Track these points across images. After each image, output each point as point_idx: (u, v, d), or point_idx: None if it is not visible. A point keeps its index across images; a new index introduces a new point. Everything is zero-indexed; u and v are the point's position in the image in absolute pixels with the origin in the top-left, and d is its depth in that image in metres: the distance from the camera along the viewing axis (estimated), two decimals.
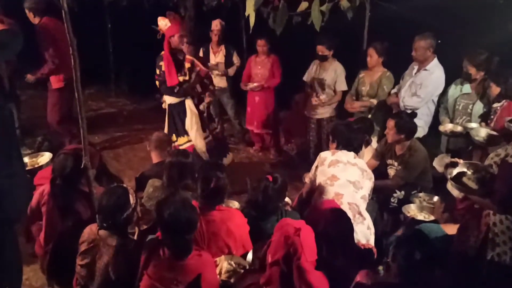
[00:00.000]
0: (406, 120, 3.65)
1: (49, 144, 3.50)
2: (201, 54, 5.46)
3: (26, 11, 4.61)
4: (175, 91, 4.23)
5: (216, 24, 5.30)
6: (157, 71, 4.27)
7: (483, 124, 3.74)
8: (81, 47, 2.64)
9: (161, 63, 4.16)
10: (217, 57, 5.41)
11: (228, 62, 5.39)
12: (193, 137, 4.37)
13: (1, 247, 2.13)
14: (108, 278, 2.48)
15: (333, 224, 2.44)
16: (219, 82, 5.46)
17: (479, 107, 3.87)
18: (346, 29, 4.59)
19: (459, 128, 3.86)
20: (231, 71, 5.41)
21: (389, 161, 3.83)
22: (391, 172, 3.82)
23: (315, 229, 2.34)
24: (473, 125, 3.74)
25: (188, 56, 4.37)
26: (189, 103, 4.32)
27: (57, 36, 4.48)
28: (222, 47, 5.39)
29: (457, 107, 4.00)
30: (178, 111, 4.35)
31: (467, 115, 3.93)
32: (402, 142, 3.69)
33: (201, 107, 4.43)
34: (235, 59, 5.43)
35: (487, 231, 2.21)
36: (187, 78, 4.27)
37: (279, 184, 2.81)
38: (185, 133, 4.38)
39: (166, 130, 4.44)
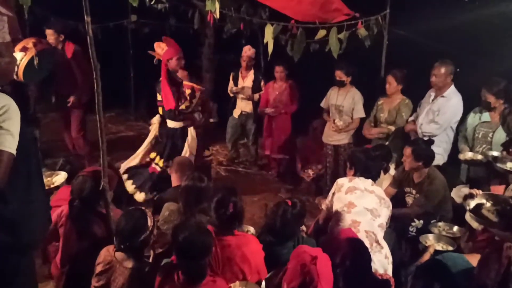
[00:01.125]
0: (423, 148, 3.61)
1: (70, 166, 3.56)
2: (231, 78, 5.57)
3: (54, 34, 4.74)
4: (176, 115, 4.28)
5: (245, 51, 5.41)
6: (159, 97, 4.35)
7: (504, 152, 3.68)
8: (104, 72, 2.73)
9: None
10: (245, 81, 5.50)
11: (255, 87, 5.47)
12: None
13: (16, 272, 2.11)
14: None
15: (351, 255, 2.40)
16: (245, 107, 5.55)
17: (499, 135, 3.82)
18: (364, 57, 4.64)
19: (479, 157, 3.80)
20: (257, 96, 5.48)
21: (407, 189, 3.78)
22: (409, 200, 3.76)
23: (332, 259, 2.31)
24: (495, 153, 3.68)
25: (186, 82, 4.42)
26: (191, 129, 4.39)
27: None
28: (251, 72, 5.49)
29: (477, 135, 3.96)
30: (178, 135, 4.40)
31: (487, 144, 3.87)
32: (420, 170, 3.64)
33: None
34: (262, 85, 5.50)
35: (509, 265, 2.14)
36: (188, 104, 4.33)
37: (298, 209, 2.80)
38: (170, 157, 4.36)
39: (144, 149, 4.52)
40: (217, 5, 2.93)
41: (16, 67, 2.99)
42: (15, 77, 3.04)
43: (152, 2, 5.22)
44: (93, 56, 2.79)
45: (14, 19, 3.94)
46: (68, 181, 3.37)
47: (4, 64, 2.07)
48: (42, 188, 2.29)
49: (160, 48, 4.25)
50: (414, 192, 3.72)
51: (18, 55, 3.04)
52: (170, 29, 6.53)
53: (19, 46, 3.13)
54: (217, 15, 3.07)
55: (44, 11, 5.80)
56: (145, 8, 5.47)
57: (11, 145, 1.91)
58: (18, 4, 3.66)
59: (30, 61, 3.11)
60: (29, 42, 3.41)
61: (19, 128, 1.96)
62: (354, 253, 2.45)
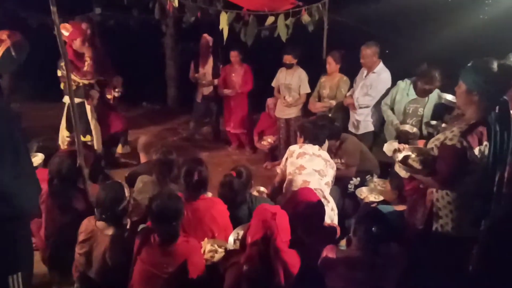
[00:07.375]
0: (329, 129, 3.54)
1: (45, 149, 3.37)
2: (192, 66, 5.40)
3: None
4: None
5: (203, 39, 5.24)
6: (59, 73, 4.17)
7: (444, 123, 3.70)
8: None
9: (62, 63, 3.93)
10: (205, 68, 5.34)
11: (215, 73, 5.32)
12: (95, 135, 4.30)
13: (15, 238, 2.07)
14: (105, 265, 2.43)
15: (311, 210, 2.45)
16: (206, 91, 5.41)
17: (427, 110, 3.80)
18: (308, 40, 4.66)
19: (414, 129, 3.77)
20: (216, 81, 5.34)
21: (335, 161, 3.77)
22: (342, 167, 3.75)
23: (295, 213, 2.34)
24: (433, 122, 3.66)
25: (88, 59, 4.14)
26: (89, 108, 4.24)
27: None
28: (210, 59, 5.33)
29: (408, 111, 3.89)
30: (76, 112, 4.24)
31: (417, 117, 3.84)
32: (336, 143, 3.70)
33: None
34: (221, 70, 5.35)
35: (432, 206, 2.27)
36: (87, 81, 4.16)
37: (243, 177, 2.78)
38: (86, 132, 4.24)
39: (64, 127, 4.32)
40: None
41: None
42: None
43: None
44: (61, 45, 2.62)
45: None
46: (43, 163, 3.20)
47: None
48: (29, 160, 2.20)
49: (65, 29, 4.01)
50: (340, 159, 3.74)
51: None
52: (134, 20, 6.21)
53: None
54: (176, 3, 2.95)
55: (12, 4, 5.36)
56: (109, 1, 5.17)
57: None
58: None
59: (6, 52, 2.86)
60: (3, 34, 3.13)
61: None
62: (314, 207, 2.50)
